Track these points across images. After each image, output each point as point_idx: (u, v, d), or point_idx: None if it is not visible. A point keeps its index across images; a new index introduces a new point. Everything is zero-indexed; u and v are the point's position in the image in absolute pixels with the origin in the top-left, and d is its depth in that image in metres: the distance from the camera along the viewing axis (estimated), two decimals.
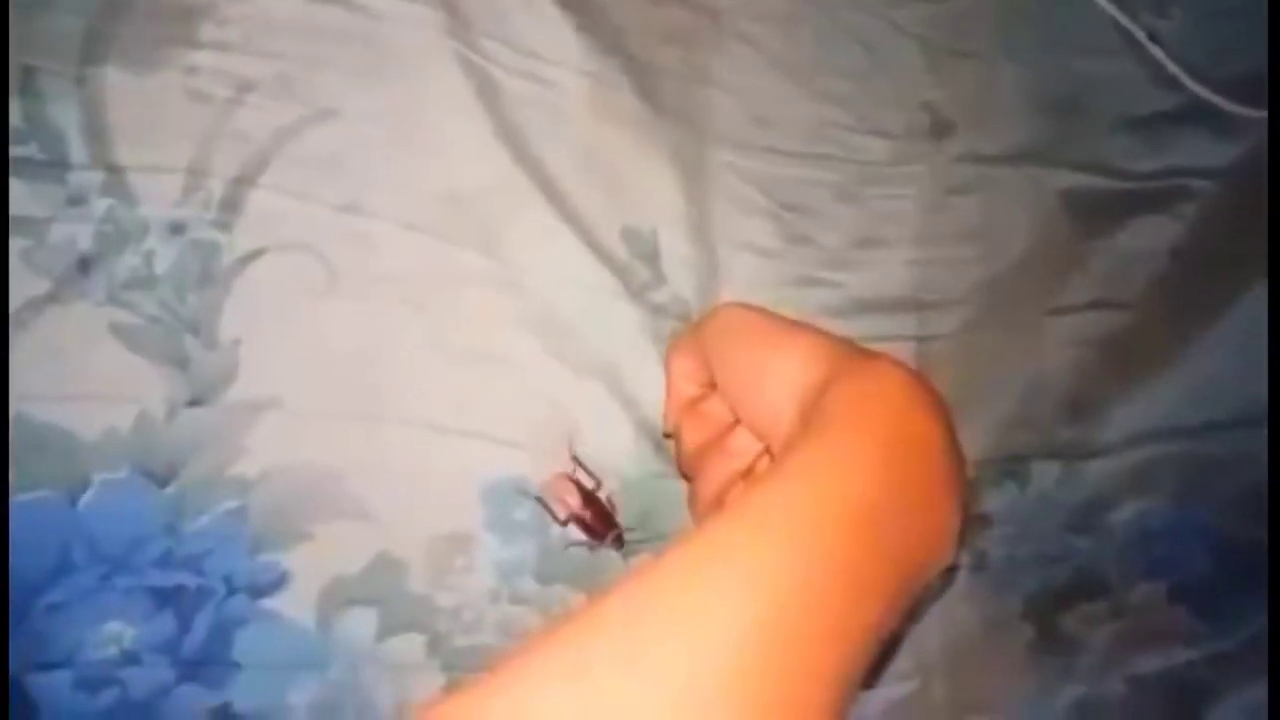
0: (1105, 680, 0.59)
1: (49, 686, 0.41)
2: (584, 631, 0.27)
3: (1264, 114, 0.60)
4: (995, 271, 0.57)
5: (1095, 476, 0.59)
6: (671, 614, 0.27)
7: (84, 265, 0.42)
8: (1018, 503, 0.57)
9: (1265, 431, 0.59)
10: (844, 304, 0.54)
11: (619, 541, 0.48)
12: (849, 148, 0.54)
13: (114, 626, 0.42)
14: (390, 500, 0.46)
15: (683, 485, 0.48)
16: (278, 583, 0.44)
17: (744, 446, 0.42)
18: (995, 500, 0.57)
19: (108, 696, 0.42)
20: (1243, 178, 0.60)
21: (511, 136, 0.48)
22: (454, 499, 0.47)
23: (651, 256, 0.51)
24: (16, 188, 0.41)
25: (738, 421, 0.42)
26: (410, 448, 0.46)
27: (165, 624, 0.43)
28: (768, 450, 0.39)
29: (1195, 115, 0.61)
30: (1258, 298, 0.61)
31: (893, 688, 0.54)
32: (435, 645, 0.46)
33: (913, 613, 0.53)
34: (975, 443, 0.56)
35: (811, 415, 0.34)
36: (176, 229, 0.44)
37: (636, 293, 0.50)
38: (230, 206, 0.44)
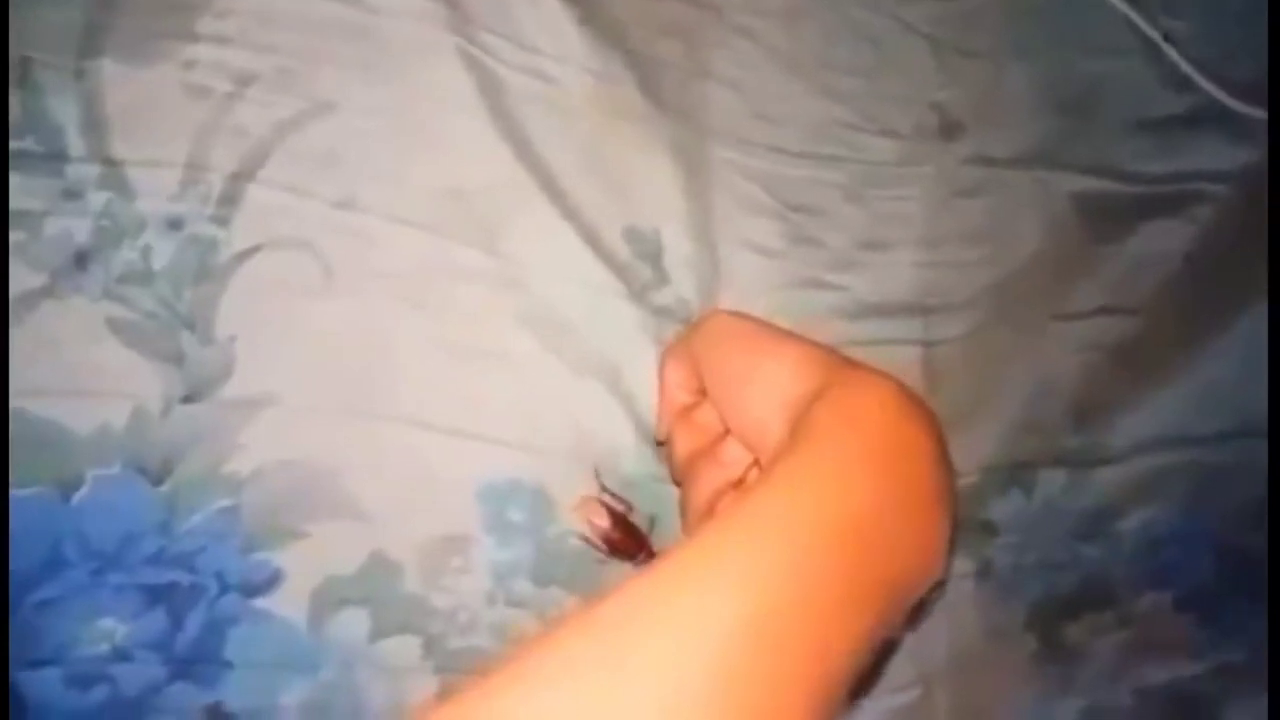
0: (1110, 691, 0.59)
1: (39, 683, 0.41)
2: (575, 636, 0.27)
3: None
4: (1003, 275, 0.56)
5: (1102, 484, 0.58)
6: (660, 620, 0.27)
7: (80, 259, 0.42)
8: (1024, 510, 0.57)
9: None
10: (849, 307, 0.53)
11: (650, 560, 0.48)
12: (855, 147, 0.54)
13: (106, 623, 0.42)
14: (385, 500, 0.45)
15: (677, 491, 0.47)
16: (270, 582, 0.44)
17: (735, 456, 0.41)
18: (1001, 508, 0.56)
19: (98, 694, 0.42)
20: (1256, 181, 0.60)
21: (512, 133, 0.48)
22: (450, 499, 0.47)
23: (654, 256, 0.50)
24: (13, 181, 0.41)
25: (729, 431, 0.41)
26: (406, 447, 0.46)
27: (157, 621, 0.43)
28: (757, 460, 0.39)
29: (1208, 118, 0.60)
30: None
31: (894, 696, 0.54)
32: (429, 647, 0.46)
33: (911, 622, 0.53)
34: (981, 449, 0.56)
35: (800, 426, 0.34)
36: (174, 224, 0.43)
37: (638, 292, 0.50)
38: (228, 202, 0.44)
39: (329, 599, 0.45)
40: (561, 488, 0.48)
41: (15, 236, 0.41)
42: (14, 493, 0.41)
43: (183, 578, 0.43)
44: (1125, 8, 0.58)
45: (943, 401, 0.54)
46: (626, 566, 0.48)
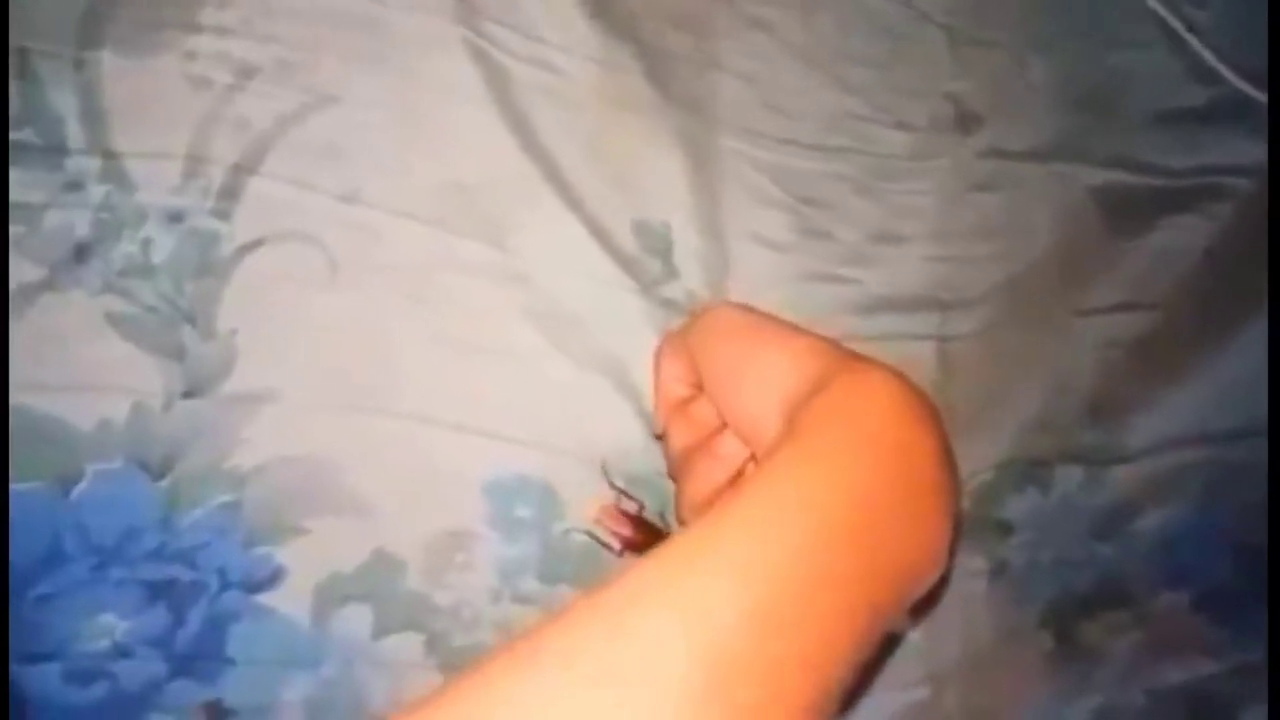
0: (1125, 691, 0.58)
1: (39, 678, 0.41)
2: (572, 625, 0.27)
3: None
4: (1019, 270, 0.55)
5: (1119, 482, 0.57)
6: (657, 610, 0.27)
7: (80, 252, 0.42)
8: (1040, 508, 0.56)
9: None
10: (862, 301, 0.53)
11: None
12: (868, 140, 0.53)
13: (106, 619, 0.42)
14: (389, 495, 0.45)
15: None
16: (272, 578, 0.44)
17: (731, 451, 0.41)
18: (1017, 505, 0.55)
19: (99, 690, 0.42)
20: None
21: (519, 125, 0.47)
22: (455, 495, 0.46)
23: (663, 250, 0.50)
24: (12, 173, 0.41)
25: (726, 425, 0.41)
26: (410, 442, 0.45)
27: (158, 617, 0.42)
28: (754, 455, 0.38)
29: (1231, 111, 0.58)
30: None
31: (906, 694, 0.53)
32: (432, 644, 0.46)
33: (915, 617, 0.52)
34: (997, 446, 0.55)
35: (797, 420, 0.33)
36: (175, 217, 0.43)
37: (646, 286, 0.49)
38: (230, 194, 0.43)
39: (331, 595, 0.44)
40: (568, 484, 0.48)
41: (15, 229, 0.41)
42: (14, 487, 0.40)
43: (184, 573, 0.42)
44: None
45: (958, 397, 0.53)
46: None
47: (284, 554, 0.44)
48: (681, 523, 0.44)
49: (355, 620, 0.45)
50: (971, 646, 0.54)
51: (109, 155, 0.42)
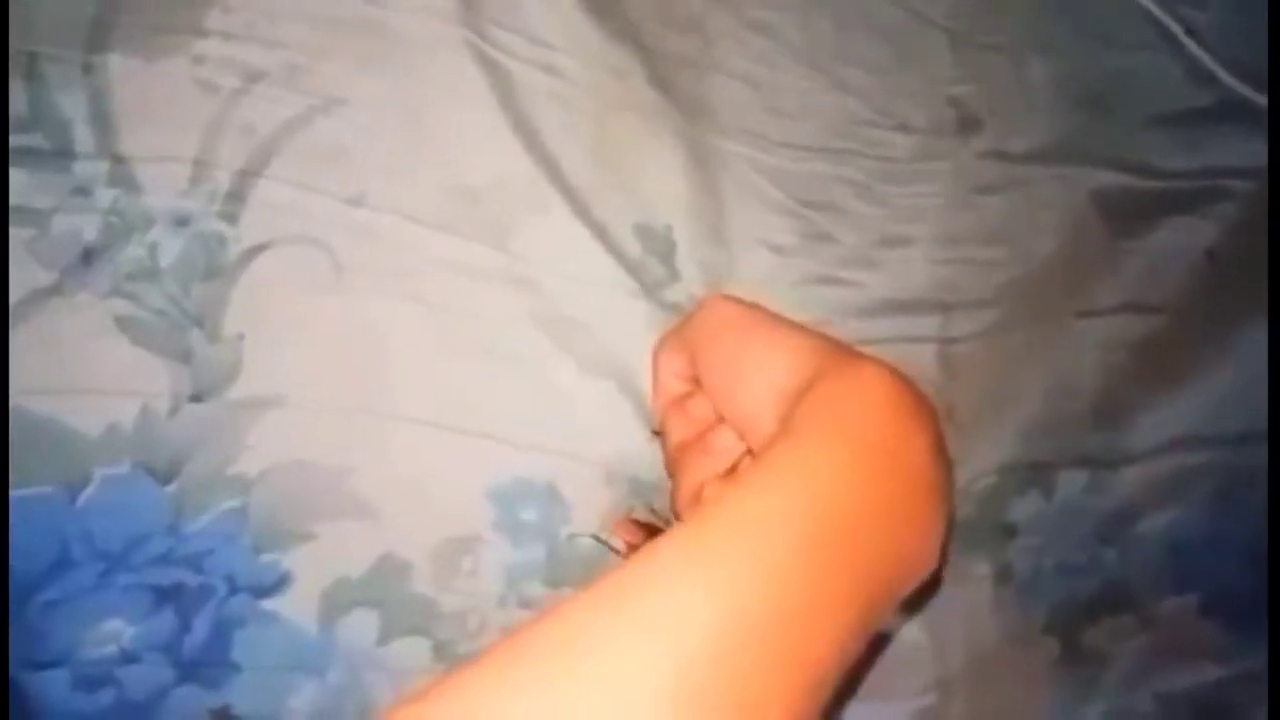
0: (1132, 697, 0.58)
1: (46, 685, 0.41)
2: (540, 635, 0.27)
3: None
4: (1023, 273, 0.55)
5: (1124, 485, 0.57)
6: (634, 619, 0.27)
7: (88, 256, 0.42)
8: (1043, 512, 0.56)
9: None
10: (865, 304, 0.53)
11: None
12: (870, 143, 0.53)
13: (113, 625, 0.42)
14: (395, 500, 0.45)
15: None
16: (279, 583, 0.43)
17: (726, 446, 0.40)
18: (1020, 509, 0.55)
19: (106, 696, 0.42)
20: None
21: (523, 128, 0.47)
22: (461, 500, 0.46)
23: (666, 253, 0.50)
24: (20, 177, 0.41)
25: (722, 420, 0.41)
26: (417, 447, 0.45)
27: (165, 623, 0.42)
28: (750, 450, 0.38)
29: (1232, 113, 0.59)
30: None
31: (912, 701, 0.53)
32: (439, 650, 0.45)
33: (908, 613, 0.52)
34: (1000, 448, 0.55)
35: (790, 418, 0.33)
36: (182, 220, 0.43)
37: (650, 289, 0.49)
38: (236, 198, 0.43)
39: (338, 601, 0.44)
40: (573, 488, 0.47)
41: (23, 233, 0.41)
42: (20, 492, 0.40)
43: (191, 579, 0.42)
44: (1146, 1, 0.57)
45: (961, 400, 0.53)
46: None
47: (290, 559, 0.44)
48: (678, 519, 0.44)
49: (362, 626, 0.45)
50: (977, 652, 0.54)
51: (117, 159, 0.42)
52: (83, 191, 0.42)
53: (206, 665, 0.43)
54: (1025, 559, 0.55)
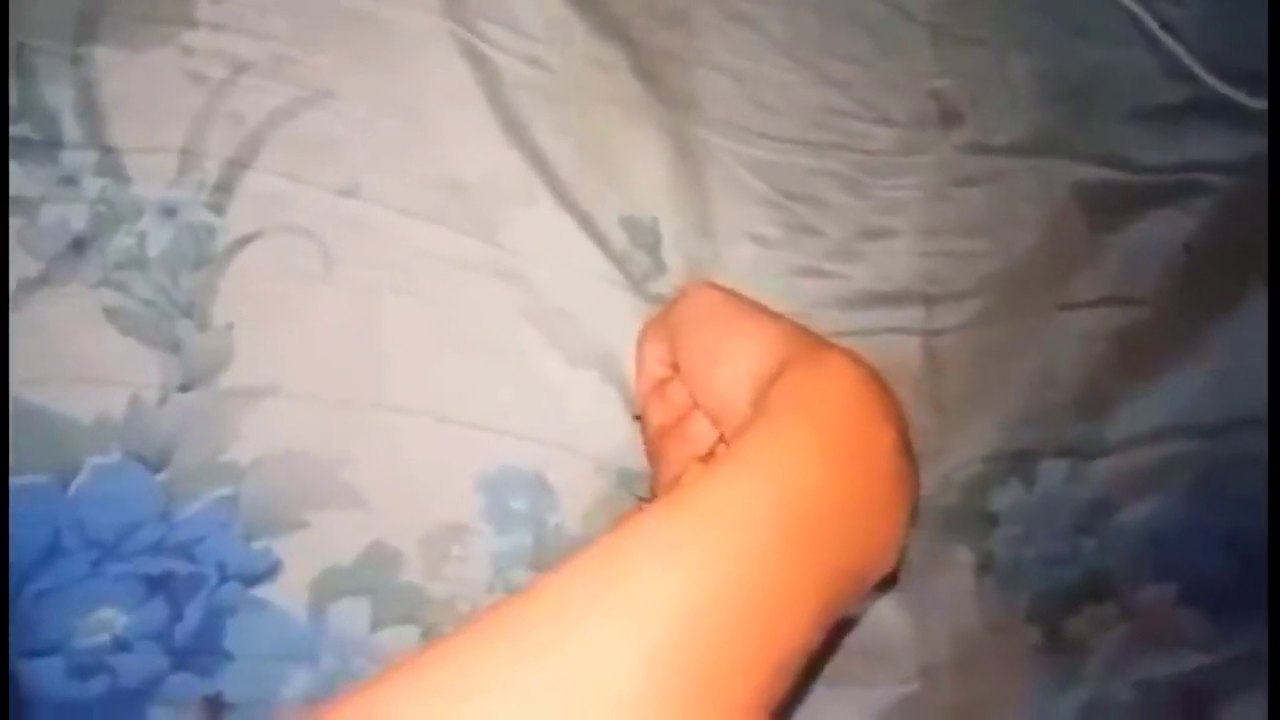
0: (1113, 684, 0.58)
1: (39, 673, 0.41)
2: (502, 626, 0.27)
3: None
4: (1004, 265, 0.56)
5: (1104, 475, 0.58)
6: (608, 600, 0.27)
7: (77, 246, 0.42)
8: (1024, 502, 0.56)
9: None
10: (849, 296, 0.53)
11: None
12: (853, 136, 0.53)
13: (105, 613, 0.42)
14: (385, 489, 0.45)
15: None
16: (270, 571, 0.44)
17: (701, 432, 0.41)
18: (1001, 499, 0.56)
19: (98, 684, 0.42)
20: (1258, 172, 0.59)
21: (510, 121, 0.48)
22: (450, 488, 0.46)
23: (651, 245, 0.50)
24: (10, 168, 0.41)
25: (698, 406, 0.41)
26: (406, 436, 0.46)
27: (157, 611, 0.42)
28: (722, 437, 0.39)
29: (1210, 108, 0.59)
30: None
31: (895, 689, 0.54)
32: (429, 636, 0.46)
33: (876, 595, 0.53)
34: (981, 439, 0.55)
35: (762, 402, 0.33)
36: (170, 211, 0.43)
37: (636, 282, 0.49)
38: (224, 189, 0.44)
39: (329, 589, 0.44)
40: (562, 477, 0.48)
41: (13, 223, 0.41)
42: (13, 481, 0.41)
43: (182, 567, 0.42)
44: None
45: (944, 391, 0.54)
46: None
47: (281, 547, 0.44)
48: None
49: (353, 613, 0.45)
50: (961, 640, 0.55)
51: (105, 149, 0.42)
52: (71, 181, 0.42)
53: (199, 653, 0.43)
54: (1007, 548, 0.56)
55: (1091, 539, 0.58)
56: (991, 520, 0.56)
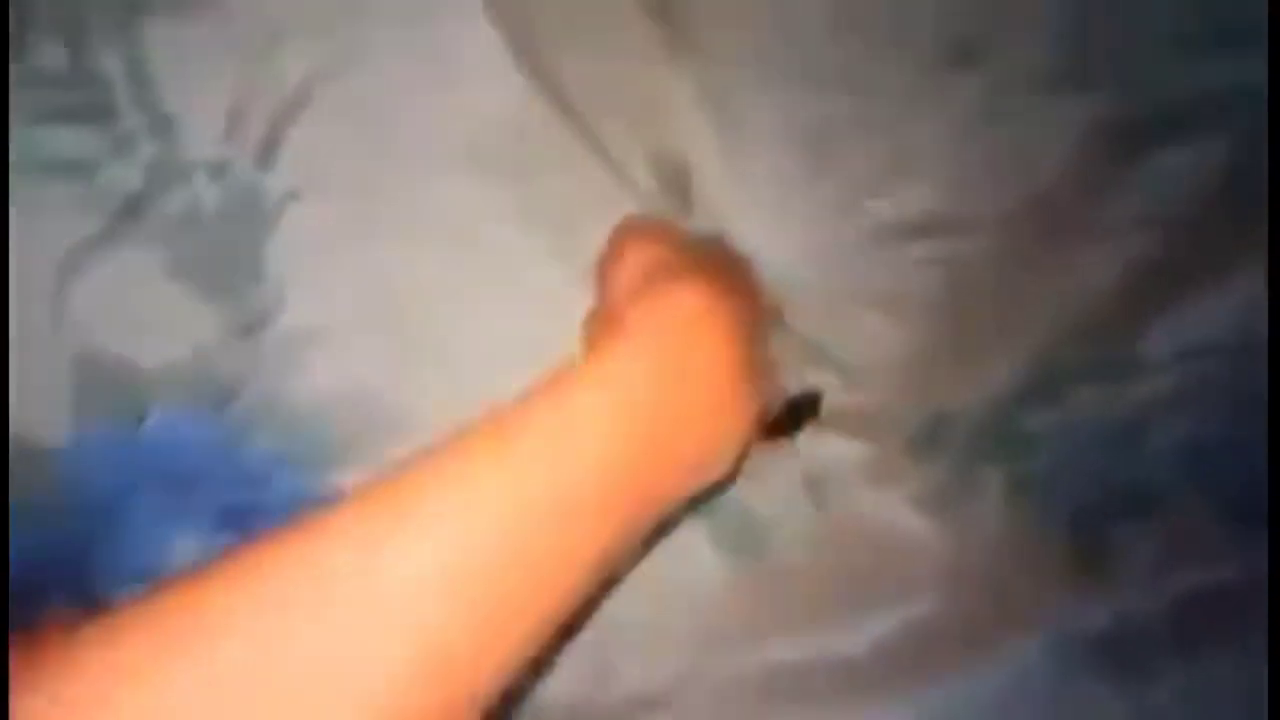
0: (1146, 596, 0.59)
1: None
2: (310, 544, 0.28)
3: None
4: (1030, 195, 0.56)
5: (1137, 395, 0.58)
6: (423, 509, 0.29)
7: (133, 205, 0.44)
8: (1057, 422, 0.57)
9: None
10: (876, 230, 0.54)
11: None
12: (876, 76, 0.54)
13: (183, 545, 0.45)
14: (435, 421, 0.47)
15: None
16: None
17: None
18: (1033, 421, 0.57)
19: None
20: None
21: (539, 73, 0.49)
22: None
23: (682, 187, 0.52)
24: (66, 133, 0.44)
25: None
26: (454, 369, 0.48)
27: (230, 541, 0.45)
28: None
29: (1229, 36, 0.59)
30: None
31: (926, 603, 0.55)
32: None
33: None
34: (1010, 365, 0.56)
35: (608, 328, 0.36)
36: (219, 170, 0.45)
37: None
38: (270, 147, 0.46)
39: None
40: None
41: (71, 187, 0.44)
42: (85, 428, 0.43)
43: (251, 499, 0.45)
44: None
45: (972, 318, 0.55)
46: None
47: (343, 479, 0.46)
48: None
49: None
50: (993, 555, 0.56)
51: (156, 114, 0.45)
52: (126, 144, 0.44)
53: None
54: (1040, 467, 0.57)
55: (1125, 457, 0.58)
56: (1024, 441, 0.56)
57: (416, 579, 0.27)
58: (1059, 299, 0.57)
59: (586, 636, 0.48)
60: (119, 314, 0.44)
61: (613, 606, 0.48)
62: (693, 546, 0.50)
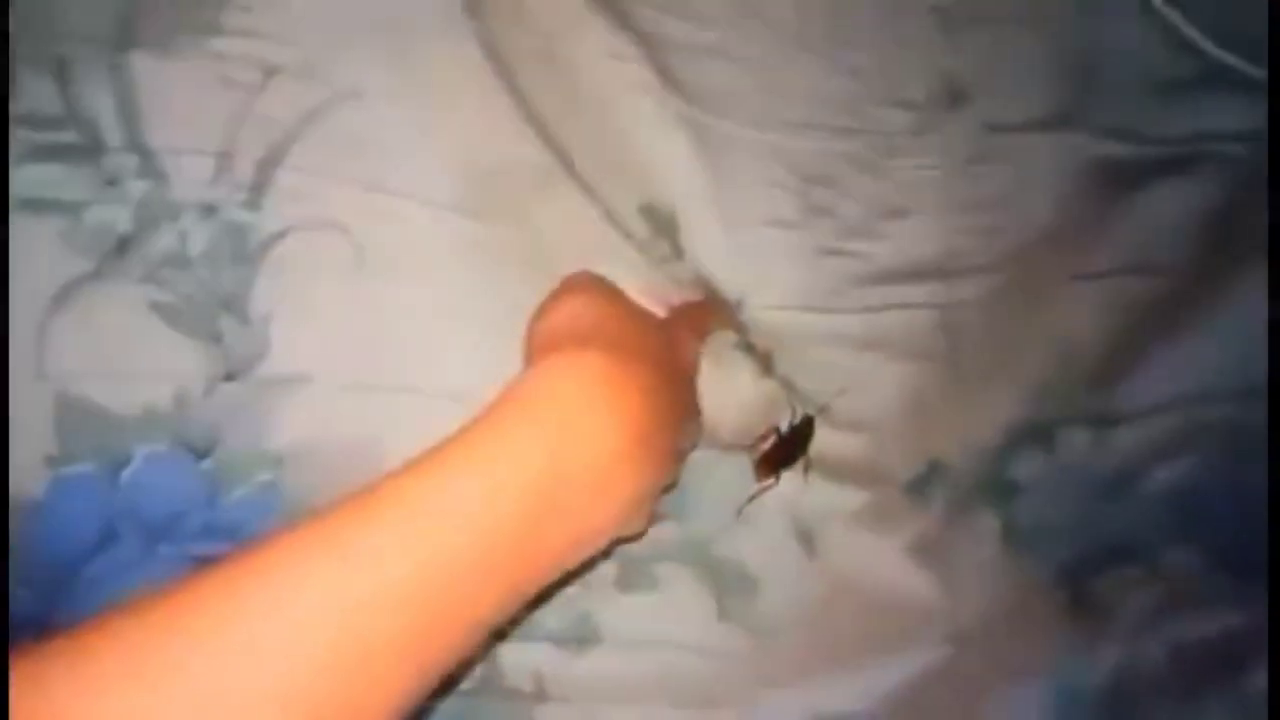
0: (1144, 644, 0.58)
1: None
2: (216, 589, 0.30)
3: None
4: (1020, 239, 0.57)
5: (1125, 442, 0.58)
6: (286, 588, 0.30)
7: (122, 245, 0.44)
8: (1046, 469, 0.57)
9: None
10: (867, 274, 0.54)
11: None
12: (867, 118, 0.54)
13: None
14: None
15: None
16: None
17: None
18: (1023, 468, 0.57)
19: None
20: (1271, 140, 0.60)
21: (531, 115, 0.49)
22: None
23: (671, 231, 0.51)
24: (55, 171, 0.43)
25: None
26: (439, 418, 0.47)
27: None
28: None
29: (1220, 78, 0.60)
30: None
31: (925, 655, 0.54)
32: None
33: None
34: (1002, 410, 0.56)
35: (498, 398, 0.36)
36: (208, 210, 0.45)
37: (656, 266, 0.51)
38: (258, 187, 0.46)
39: None
40: None
41: (59, 224, 0.43)
42: (67, 471, 0.42)
43: (229, 549, 0.44)
44: None
45: (963, 363, 0.55)
46: None
47: None
48: None
49: None
50: (988, 604, 0.55)
51: (145, 153, 0.44)
52: (114, 184, 0.44)
53: None
54: (1030, 515, 0.57)
55: (1115, 505, 0.58)
56: (1014, 488, 0.56)
57: (290, 633, 0.29)
58: (1050, 343, 0.57)
59: (577, 692, 0.47)
60: (103, 356, 0.43)
61: (604, 662, 0.47)
62: (684, 601, 0.49)
